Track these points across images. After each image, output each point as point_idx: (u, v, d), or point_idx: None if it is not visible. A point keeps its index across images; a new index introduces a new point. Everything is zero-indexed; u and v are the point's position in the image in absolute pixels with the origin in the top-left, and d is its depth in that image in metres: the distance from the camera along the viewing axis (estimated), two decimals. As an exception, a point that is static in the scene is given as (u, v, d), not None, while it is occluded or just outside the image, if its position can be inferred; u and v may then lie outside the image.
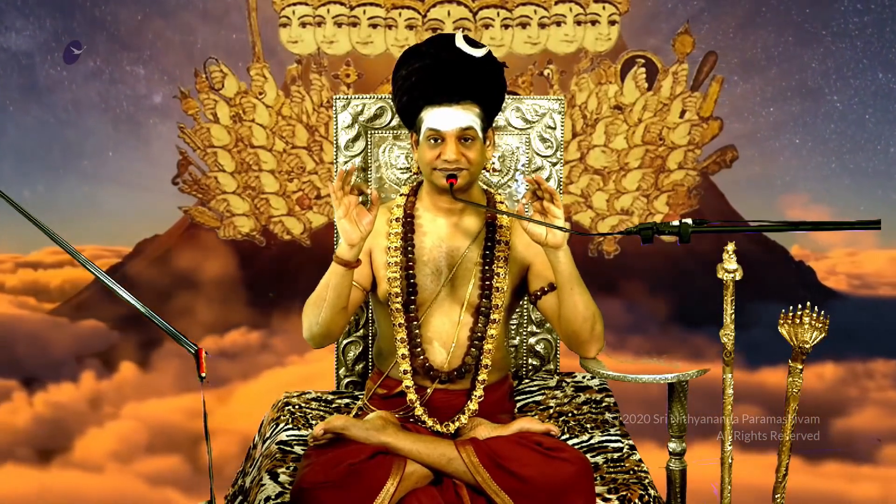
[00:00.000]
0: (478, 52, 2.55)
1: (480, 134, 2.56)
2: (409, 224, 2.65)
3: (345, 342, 3.04)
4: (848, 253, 4.72)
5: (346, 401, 2.95)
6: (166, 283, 4.62)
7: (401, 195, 2.73)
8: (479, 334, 2.62)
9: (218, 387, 4.51)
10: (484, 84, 2.56)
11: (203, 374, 2.17)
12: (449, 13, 4.45)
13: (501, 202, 2.73)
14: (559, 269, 2.47)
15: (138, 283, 4.60)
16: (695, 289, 4.44)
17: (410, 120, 2.62)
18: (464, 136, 2.53)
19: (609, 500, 2.45)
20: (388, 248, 2.63)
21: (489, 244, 2.64)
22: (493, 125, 2.77)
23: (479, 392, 2.62)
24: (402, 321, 2.62)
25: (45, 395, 4.54)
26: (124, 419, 4.49)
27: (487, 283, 2.62)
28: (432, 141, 2.54)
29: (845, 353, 4.52)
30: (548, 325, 3.04)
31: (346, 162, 2.99)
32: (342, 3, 4.46)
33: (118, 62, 4.50)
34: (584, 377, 2.98)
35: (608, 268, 4.60)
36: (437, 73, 2.53)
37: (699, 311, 4.37)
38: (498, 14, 4.47)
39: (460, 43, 2.55)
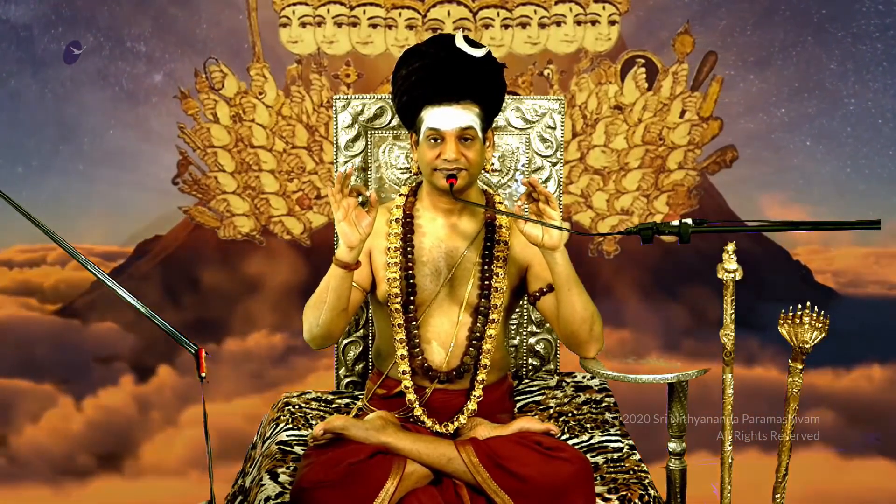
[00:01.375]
0: (478, 53, 2.55)
1: (480, 134, 2.56)
2: (408, 224, 2.66)
3: (345, 342, 3.05)
4: (815, 250, 4.69)
5: (346, 401, 2.95)
6: (182, 284, 4.60)
7: (400, 195, 2.73)
8: (478, 334, 2.62)
9: (263, 391, 4.48)
10: (484, 84, 2.57)
11: (203, 374, 2.17)
12: (449, 13, 4.44)
13: (500, 202, 2.73)
14: (556, 271, 2.47)
15: (155, 284, 4.57)
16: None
17: (410, 120, 2.62)
18: (464, 136, 2.53)
19: (609, 500, 2.45)
20: (388, 248, 2.63)
21: (488, 244, 2.64)
22: (493, 125, 2.77)
23: (477, 392, 2.63)
24: (402, 321, 2.62)
25: (94, 401, 4.47)
26: (187, 425, 4.41)
27: (486, 283, 2.62)
28: (432, 141, 2.54)
29: (891, 355, 4.48)
30: (548, 325, 3.04)
31: (346, 162, 2.99)
32: (342, 3, 4.46)
33: (119, 39, 4.48)
34: (584, 377, 2.98)
35: (671, 271, 4.57)
36: (437, 72, 2.53)
37: (750, 312, 4.31)
38: (498, 14, 4.46)
39: (460, 43, 2.55)
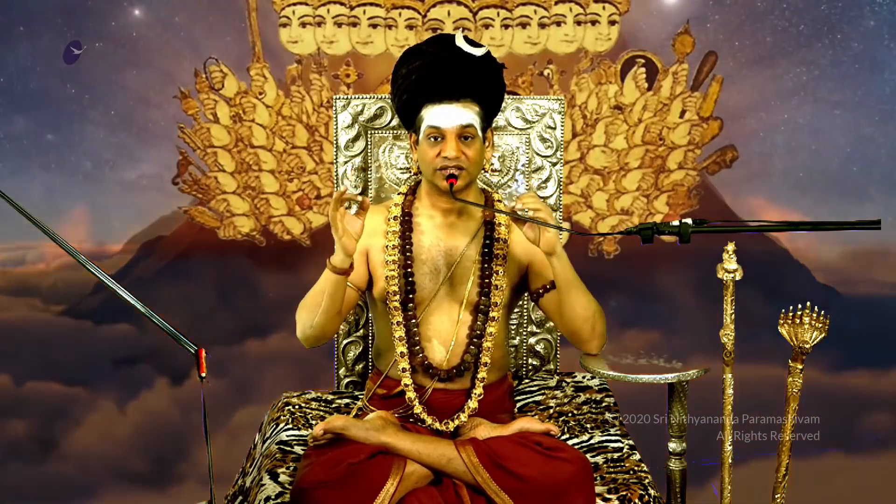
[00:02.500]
0: (477, 52, 2.56)
1: (480, 133, 2.57)
2: (406, 223, 2.66)
3: (345, 342, 3.05)
4: (794, 249, 4.67)
5: (346, 401, 2.95)
6: (193, 285, 4.57)
7: (398, 194, 2.73)
8: (479, 332, 2.63)
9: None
10: (484, 83, 2.57)
11: (203, 375, 2.17)
12: (449, 13, 4.44)
13: (499, 201, 2.73)
14: (556, 273, 2.49)
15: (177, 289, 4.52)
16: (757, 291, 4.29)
17: (410, 119, 2.62)
18: (464, 134, 2.54)
19: (609, 500, 2.45)
20: (386, 246, 2.63)
21: (487, 242, 2.64)
22: (493, 126, 2.77)
23: (478, 390, 2.63)
24: (400, 319, 2.62)
25: (136, 404, 4.38)
26: (239, 429, 4.24)
27: (486, 280, 2.62)
28: (432, 139, 2.55)
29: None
30: (548, 324, 3.05)
31: (346, 162, 2.99)
32: (342, 3, 4.46)
33: (119, 37, 4.46)
34: (584, 377, 2.98)
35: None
36: (437, 70, 2.54)
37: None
38: (498, 14, 4.46)
39: (460, 42, 2.56)
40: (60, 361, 4.45)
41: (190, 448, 4.34)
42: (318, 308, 2.52)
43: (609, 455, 2.62)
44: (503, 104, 2.92)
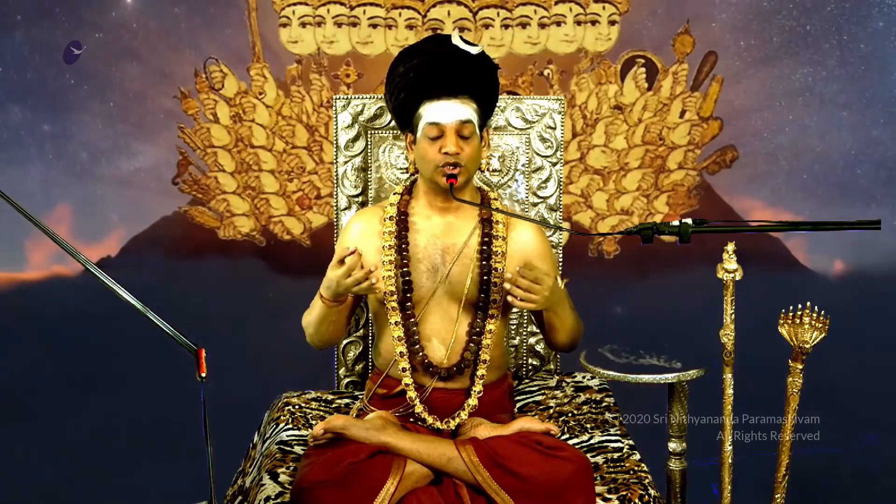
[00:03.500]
0: (473, 50, 2.58)
1: (477, 131, 2.57)
2: (402, 222, 2.66)
3: (345, 342, 3.05)
4: (794, 249, 4.67)
5: (346, 401, 2.95)
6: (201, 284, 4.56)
7: (394, 194, 2.73)
8: (478, 330, 2.63)
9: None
10: (481, 81, 2.59)
11: (203, 375, 2.17)
12: (449, 13, 4.45)
13: (496, 199, 2.73)
14: (545, 318, 2.60)
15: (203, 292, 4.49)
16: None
17: (407, 118, 2.62)
18: (462, 132, 2.54)
19: (609, 500, 2.45)
20: (382, 246, 2.64)
21: (486, 240, 2.64)
22: (493, 126, 2.78)
23: (478, 388, 2.63)
24: (399, 319, 2.62)
25: (164, 405, 4.19)
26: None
27: (485, 278, 2.62)
28: (431, 136, 2.55)
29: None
30: (548, 325, 3.06)
31: (346, 162, 2.99)
32: (342, 3, 4.46)
33: (119, 38, 4.46)
34: (584, 377, 2.98)
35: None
36: (435, 67, 2.55)
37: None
38: (498, 14, 4.47)
39: (456, 40, 2.57)
40: (76, 363, 4.42)
41: (225, 449, 4.28)
42: (322, 327, 2.61)
43: (609, 455, 2.62)
44: (503, 104, 2.92)
